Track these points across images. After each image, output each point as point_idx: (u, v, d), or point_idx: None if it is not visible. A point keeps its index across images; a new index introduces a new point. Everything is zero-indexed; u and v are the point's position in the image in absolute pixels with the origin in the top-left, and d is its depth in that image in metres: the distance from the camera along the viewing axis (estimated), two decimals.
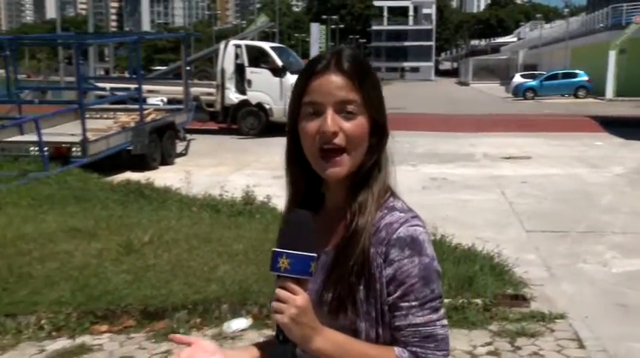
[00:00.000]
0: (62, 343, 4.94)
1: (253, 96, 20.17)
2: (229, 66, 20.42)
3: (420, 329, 1.37)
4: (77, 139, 12.18)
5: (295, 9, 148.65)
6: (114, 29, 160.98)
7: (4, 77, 15.21)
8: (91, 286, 5.58)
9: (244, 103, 20.32)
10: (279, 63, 20.06)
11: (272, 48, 21.52)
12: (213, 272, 5.86)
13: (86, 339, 4.97)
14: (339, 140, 1.39)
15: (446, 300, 5.39)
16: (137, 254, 6.45)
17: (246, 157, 15.29)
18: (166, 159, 14.60)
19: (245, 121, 20.35)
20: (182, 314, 5.15)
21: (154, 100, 18.78)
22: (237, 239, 6.87)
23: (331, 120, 1.38)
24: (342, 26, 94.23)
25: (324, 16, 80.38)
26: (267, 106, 20.07)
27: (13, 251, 6.58)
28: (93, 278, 5.77)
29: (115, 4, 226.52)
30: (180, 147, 16.32)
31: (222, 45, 21.36)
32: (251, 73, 20.32)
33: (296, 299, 1.29)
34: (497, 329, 5.15)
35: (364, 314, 1.39)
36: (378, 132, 1.45)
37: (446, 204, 10.14)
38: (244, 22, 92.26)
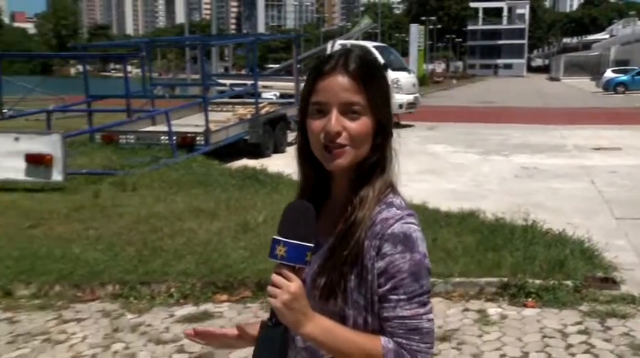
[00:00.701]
0: (188, 309, 5.10)
1: None
2: None
3: (407, 321, 1.32)
4: (201, 130, 12.48)
5: (396, 11, 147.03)
6: (233, 31, 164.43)
7: (140, 75, 15.80)
8: (212, 260, 5.76)
9: None
10: (381, 60, 19.89)
11: (375, 47, 21.36)
12: None
13: (209, 307, 5.11)
14: (342, 139, 1.34)
15: (537, 281, 5.24)
16: (253, 232, 6.59)
17: None
18: (278, 148, 14.74)
19: None
20: None
21: (268, 95, 19.01)
22: None
23: (335, 120, 1.34)
24: (439, 26, 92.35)
25: (423, 17, 79.02)
26: None
27: (147, 227, 6.87)
28: (214, 253, 5.94)
29: (235, 9, 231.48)
30: (290, 137, 16.48)
31: (329, 44, 21.41)
32: None
33: (290, 286, 1.26)
34: (587, 310, 4.96)
35: (353, 302, 1.35)
36: (383, 132, 1.40)
37: (537, 192, 9.80)
38: (349, 23, 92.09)
